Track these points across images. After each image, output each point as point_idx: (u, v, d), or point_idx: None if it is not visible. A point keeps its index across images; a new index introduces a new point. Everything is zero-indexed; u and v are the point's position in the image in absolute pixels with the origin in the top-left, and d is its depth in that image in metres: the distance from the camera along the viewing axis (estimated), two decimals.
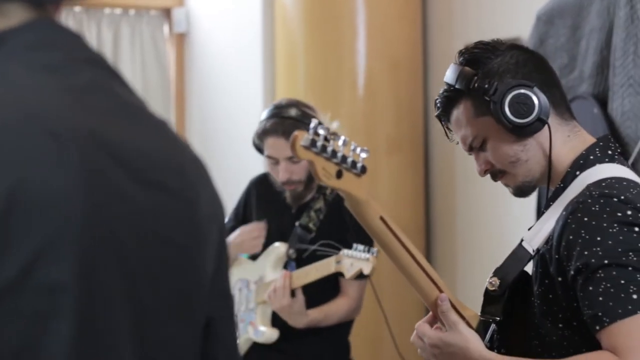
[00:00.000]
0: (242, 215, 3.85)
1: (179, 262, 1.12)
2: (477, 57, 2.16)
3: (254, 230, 3.74)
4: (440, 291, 2.18)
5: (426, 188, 5.57)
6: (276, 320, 3.66)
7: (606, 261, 1.94)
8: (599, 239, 1.95)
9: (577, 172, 2.11)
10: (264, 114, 3.65)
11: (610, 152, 2.13)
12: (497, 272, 2.17)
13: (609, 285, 1.93)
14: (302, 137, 2.07)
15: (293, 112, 3.59)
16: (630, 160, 3.76)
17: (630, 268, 1.93)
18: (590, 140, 2.17)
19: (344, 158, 2.11)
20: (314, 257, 3.60)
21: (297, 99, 3.82)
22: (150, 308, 1.08)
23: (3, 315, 0.97)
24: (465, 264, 5.36)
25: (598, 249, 1.95)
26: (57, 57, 1.08)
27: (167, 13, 6.64)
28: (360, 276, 3.49)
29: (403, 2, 5.44)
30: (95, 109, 1.07)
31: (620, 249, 1.94)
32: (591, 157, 2.12)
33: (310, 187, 3.67)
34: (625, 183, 2.03)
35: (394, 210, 5.33)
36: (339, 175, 2.11)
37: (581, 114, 4.04)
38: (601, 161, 2.11)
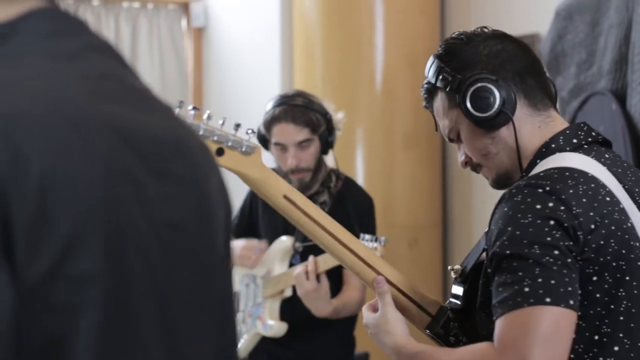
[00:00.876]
0: (248, 213, 3.84)
1: (194, 250, 1.13)
2: (452, 48, 2.14)
3: (254, 247, 3.73)
4: (378, 273, 2.17)
5: (443, 183, 5.56)
6: (284, 315, 3.66)
7: (508, 251, 1.89)
8: (509, 228, 1.90)
9: (538, 161, 2.07)
10: (270, 104, 3.67)
11: (575, 140, 2.07)
12: (464, 260, 2.16)
13: (508, 276, 1.88)
14: None
15: (300, 100, 3.62)
16: None
17: (530, 261, 1.87)
18: (561, 129, 2.11)
19: (223, 136, 2.14)
20: (321, 250, 3.58)
21: (301, 90, 3.84)
22: (171, 297, 1.09)
23: (34, 308, 0.97)
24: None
25: (505, 238, 1.90)
26: (70, 45, 1.09)
27: (185, 7, 6.65)
28: None
29: None
30: (111, 98, 1.08)
31: (525, 241, 1.88)
32: (553, 146, 2.07)
33: (316, 177, 3.67)
34: (567, 174, 1.96)
35: (410, 206, 5.34)
36: (219, 152, 2.15)
37: (599, 110, 4.04)
38: (562, 150, 2.05)
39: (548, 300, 1.85)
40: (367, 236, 3.43)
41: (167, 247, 1.09)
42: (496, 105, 2.07)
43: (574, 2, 4.23)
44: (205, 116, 2.17)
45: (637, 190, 2.04)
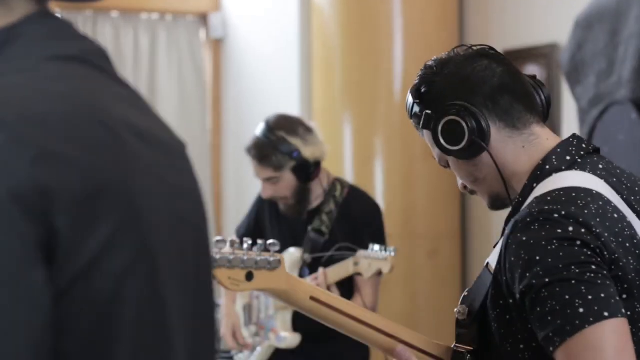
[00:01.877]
0: (254, 224, 3.86)
1: (202, 242, 1.16)
2: (423, 80, 2.12)
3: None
4: (399, 340, 2.16)
5: (462, 193, 5.55)
6: (297, 325, 3.67)
7: (547, 279, 1.84)
8: (538, 258, 1.86)
9: (534, 185, 2.02)
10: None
11: (569, 157, 2.02)
12: (465, 299, 2.10)
13: (554, 302, 1.83)
14: None
15: (268, 136, 3.61)
16: None
17: (573, 281, 1.83)
18: (549, 147, 2.05)
19: (251, 261, 2.16)
20: (330, 260, 3.60)
21: (289, 118, 3.79)
22: (191, 285, 1.12)
23: (72, 304, 0.99)
24: None
25: (538, 268, 1.85)
26: (70, 47, 1.11)
27: (203, 18, 6.66)
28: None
29: (440, 8, 5.44)
30: (118, 97, 1.11)
31: (560, 265, 1.84)
32: (547, 167, 2.02)
33: (305, 199, 3.68)
34: (574, 194, 1.92)
35: (430, 216, 5.33)
36: (249, 277, 2.16)
37: (619, 120, 4.02)
38: (558, 170, 2.01)
39: (606, 314, 1.81)
40: (377, 246, 3.45)
41: (180, 240, 1.11)
42: (466, 137, 2.04)
43: (594, 11, 4.22)
44: (227, 245, 2.21)
45: (633, 198, 2.00)
